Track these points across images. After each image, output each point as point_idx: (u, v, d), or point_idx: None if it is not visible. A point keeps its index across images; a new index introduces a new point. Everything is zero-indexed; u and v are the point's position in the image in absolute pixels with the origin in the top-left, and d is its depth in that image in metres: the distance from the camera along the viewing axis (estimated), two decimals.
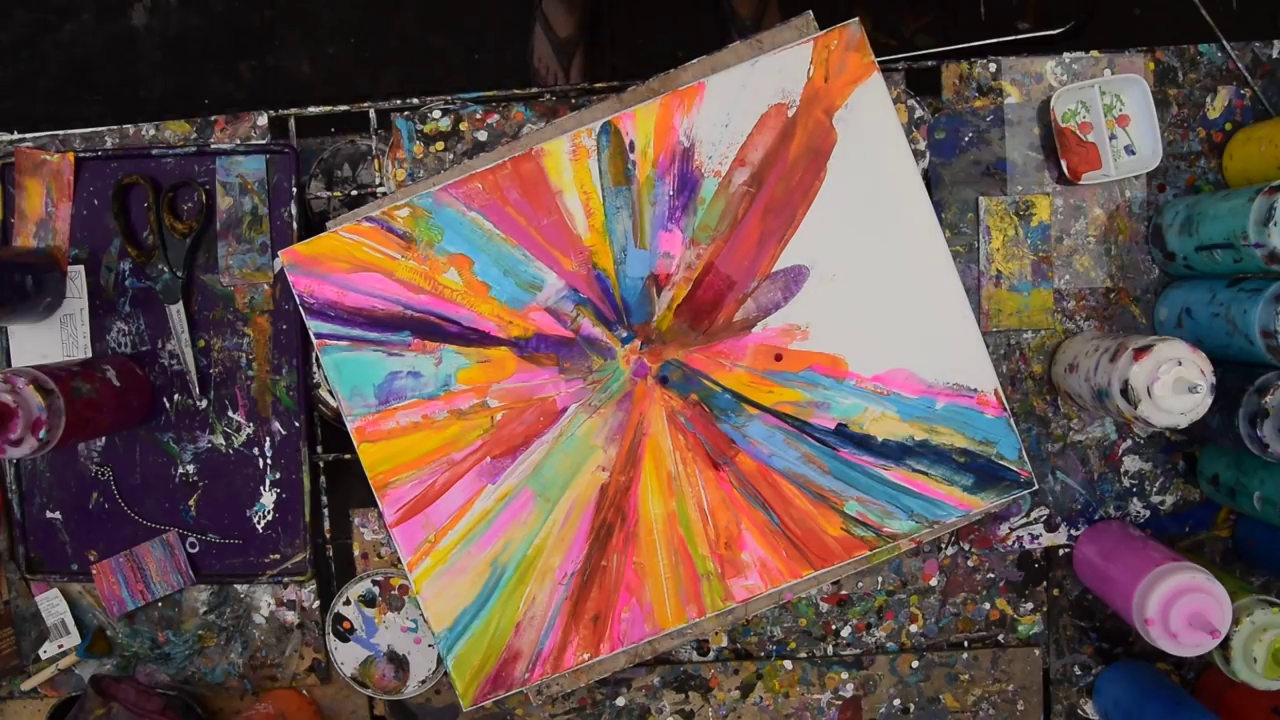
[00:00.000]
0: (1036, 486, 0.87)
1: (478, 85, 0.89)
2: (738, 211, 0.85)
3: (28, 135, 0.91)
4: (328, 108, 0.91)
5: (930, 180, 0.89)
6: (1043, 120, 0.88)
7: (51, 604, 0.91)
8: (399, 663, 0.89)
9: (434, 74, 1.49)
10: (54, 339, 0.89)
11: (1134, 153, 0.87)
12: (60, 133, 0.91)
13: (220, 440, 0.90)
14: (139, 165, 0.89)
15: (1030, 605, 0.91)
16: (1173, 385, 0.73)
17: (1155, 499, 0.90)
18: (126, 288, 0.90)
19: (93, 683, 0.86)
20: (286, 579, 0.90)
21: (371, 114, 0.90)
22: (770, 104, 0.85)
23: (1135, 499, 0.90)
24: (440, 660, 0.88)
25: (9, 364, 0.90)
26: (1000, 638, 0.91)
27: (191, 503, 0.90)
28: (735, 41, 0.87)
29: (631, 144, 0.85)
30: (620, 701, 0.92)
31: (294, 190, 0.88)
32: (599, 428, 0.86)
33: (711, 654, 0.92)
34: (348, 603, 0.89)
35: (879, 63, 0.84)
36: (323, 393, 0.88)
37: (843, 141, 0.85)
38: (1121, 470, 0.90)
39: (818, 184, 0.85)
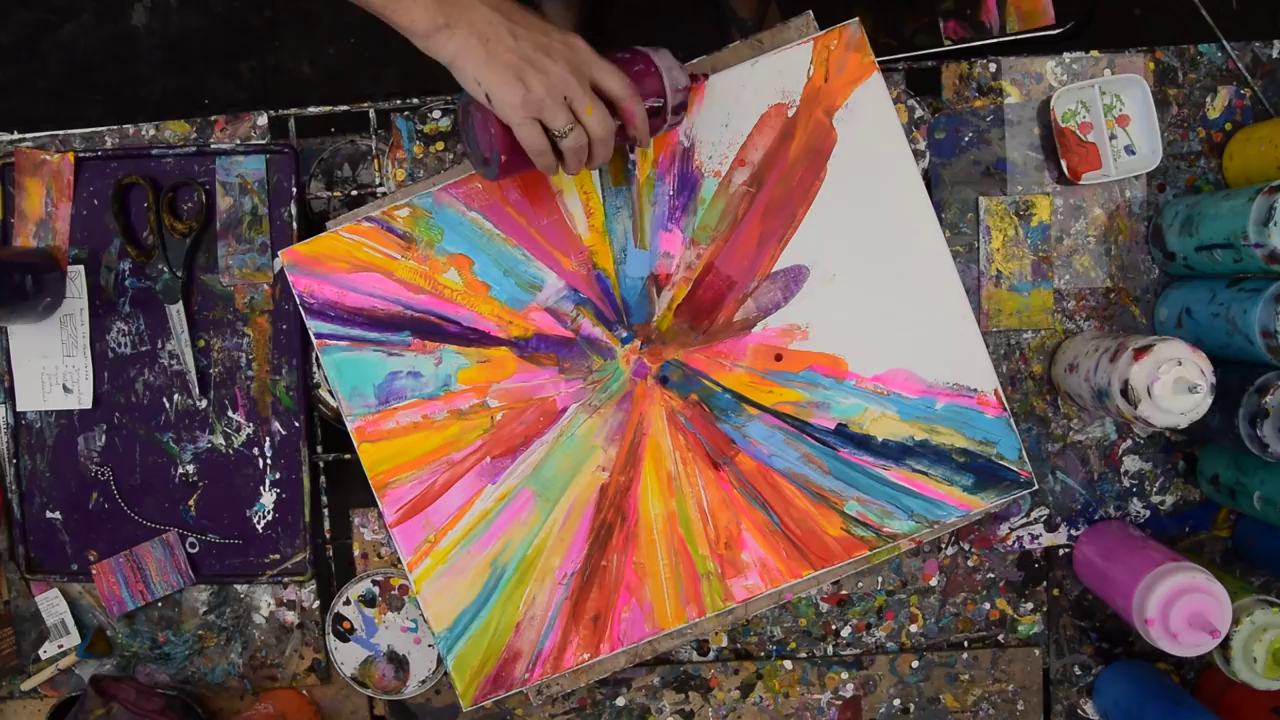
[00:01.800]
0: (1036, 487, 0.87)
1: None
2: (738, 211, 0.85)
3: (28, 135, 0.91)
4: (328, 108, 0.91)
5: (930, 180, 0.89)
6: (1043, 120, 0.88)
7: (51, 604, 0.91)
8: (399, 663, 0.89)
9: (434, 74, 1.49)
10: (54, 339, 0.89)
11: (1134, 153, 0.87)
12: (60, 133, 0.91)
13: (220, 440, 0.90)
14: (139, 165, 0.89)
15: (1030, 605, 0.91)
16: (1173, 385, 0.73)
17: (1155, 499, 0.90)
18: (126, 288, 0.90)
19: (93, 683, 0.86)
20: (286, 579, 0.90)
21: (371, 114, 0.90)
22: (770, 104, 0.85)
23: (1135, 499, 0.90)
24: (440, 660, 0.88)
25: (9, 364, 0.90)
26: (1000, 638, 0.91)
27: (191, 503, 0.90)
28: (735, 41, 0.87)
29: (631, 144, 0.84)
30: (620, 701, 0.92)
31: (294, 190, 0.88)
32: (599, 428, 0.86)
33: (711, 654, 0.92)
34: (348, 603, 0.89)
35: (879, 63, 0.84)
36: (323, 393, 0.88)
37: (843, 141, 0.85)
38: (1121, 470, 0.90)
39: (818, 184, 0.85)
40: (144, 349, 0.90)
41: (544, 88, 0.68)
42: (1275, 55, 0.88)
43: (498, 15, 0.69)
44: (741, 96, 0.84)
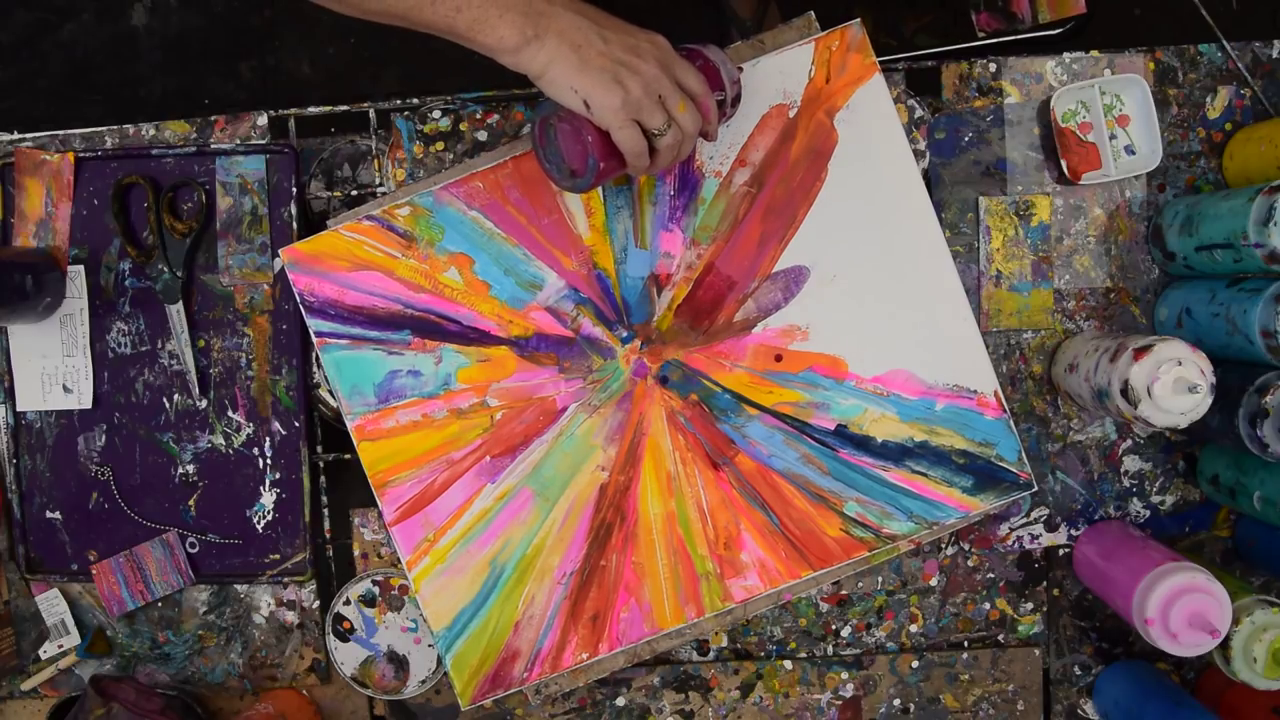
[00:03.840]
0: (1036, 488, 0.87)
1: (478, 85, 0.89)
2: (738, 212, 0.85)
3: (28, 135, 0.91)
4: (328, 108, 0.91)
5: (930, 180, 0.89)
6: (1043, 120, 0.88)
7: (51, 604, 0.91)
8: (399, 663, 0.89)
9: (434, 74, 1.49)
10: (54, 339, 0.89)
11: (1134, 153, 0.87)
12: (60, 133, 0.91)
13: (220, 440, 0.90)
14: (139, 165, 0.89)
15: (1030, 605, 0.91)
16: (1173, 385, 0.73)
17: (1155, 499, 0.90)
18: (126, 288, 0.90)
19: (93, 683, 0.86)
20: (286, 579, 0.90)
21: (371, 114, 0.90)
22: (771, 104, 0.85)
23: (1135, 499, 0.90)
24: (440, 660, 0.88)
25: (9, 364, 0.90)
26: (1000, 638, 0.91)
27: (191, 503, 0.90)
28: (736, 42, 0.87)
29: None
30: (620, 701, 0.92)
31: (294, 190, 0.88)
32: (599, 427, 0.86)
33: (711, 654, 0.92)
34: (348, 603, 0.89)
35: (879, 63, 0.84)
36: (323, 393, 0.88)
37: (844, 142, 0.85)
38: (1121, 470, 0.90)
39: (818, 185, 0.85)
40: (144, 349, 0.90)
41: (640, 88, 0.69)
42: (1275, 55, 0.88)
43: (584, 20, 0.69)
44: (743, 96, 0.84)
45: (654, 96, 0.70)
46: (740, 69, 0.79)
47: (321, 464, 0.91)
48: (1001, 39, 0.95)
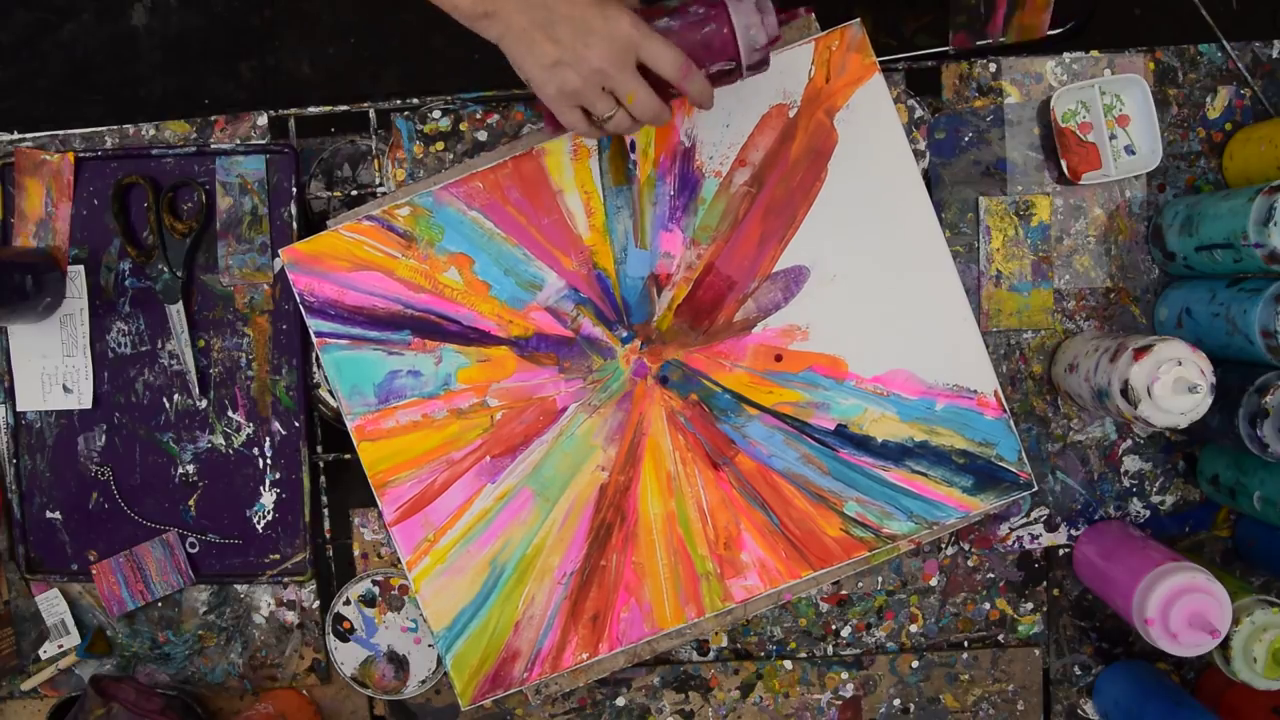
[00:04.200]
0: (1036, 488, 0.87)
1: (478, 85, 0.89)
2: (738, 212, 0.85)
3: (28, 135, 0.91)
4: (328, 108, 0.91)
5: (930, 180, 0.89)
6: (1043, 120, 0.88)
7: (51, 604, 0.91)
8: (399, 663, 0.89)
9: (434, 74, 1.49)
10: (54, 339, 0.89)
11: (1134, 153, 0.87)
12: (60, 133, 0.91)
13: (220, 440, 0.90)
14: (139, 165, 0.89)
15: (1030, 605, 0.91)
16: (1173, 385, 0.73)
17: (1155, 499, 0.90)
18: (126, 288, 0.90)
19: (93, 683, 0.86)
20: (286, 579, 0.90)
21: (371, 114, 0.90)
22: (771, 104, 0.85)
23: (1135, 499, 0.90)
24: (440, 660, 0.88)
25: (9, 364, 0.90)
26: (1000, 638, 0.91)
27: (191, 503, 0.90)
28: None
29: (632, 144, 0.85)
30: (620, 701, 0.92)
31: (294, 190, 0.88)
32: (599, 427, 0.86)
33: (711, 654, 0.92)
34: (348, 603, 0.89)
35: (879, 63, 0.84)
36: (323, 393, 0.88)
37: (843, 142, 0.85)
38: (1121, 470, 0.90)
39: (818, 184, 0.85)
40: (144, 349, 0.90)
41: (580, 79, 0.67)
42: (1275, 55, 0.88)
43: (540, 2, 0.67)
44: (742, 96, 0.84)
45: (596, 87, 0.68)
46: (784, 22, 0.71)
47: (321, 464, 0.91)
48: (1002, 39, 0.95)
